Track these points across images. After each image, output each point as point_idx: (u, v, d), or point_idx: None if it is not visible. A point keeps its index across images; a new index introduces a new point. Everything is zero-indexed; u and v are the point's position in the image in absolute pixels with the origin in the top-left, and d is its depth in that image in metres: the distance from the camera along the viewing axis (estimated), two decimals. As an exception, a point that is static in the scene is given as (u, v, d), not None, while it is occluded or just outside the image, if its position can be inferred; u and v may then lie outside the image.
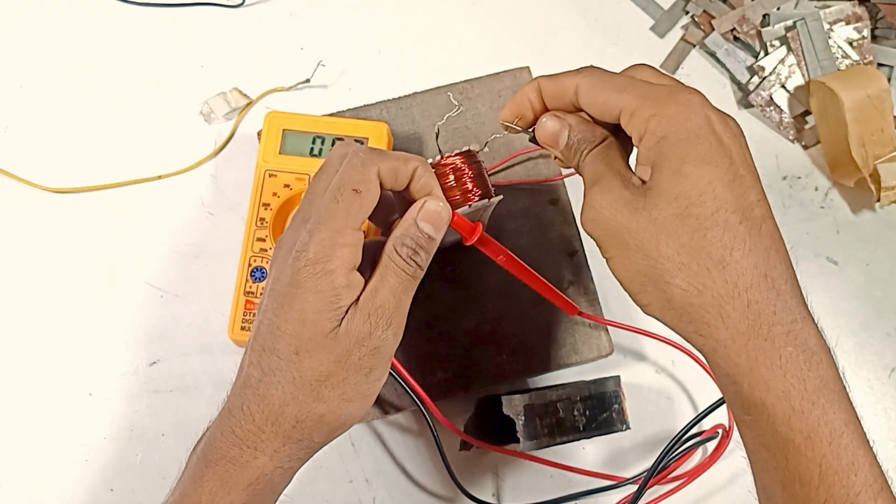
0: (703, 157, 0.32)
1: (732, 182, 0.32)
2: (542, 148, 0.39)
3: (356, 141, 0.51)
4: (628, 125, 0.34)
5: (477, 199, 0.40)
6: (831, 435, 0.29)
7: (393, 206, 0.39)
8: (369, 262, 0.36)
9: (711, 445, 0.51)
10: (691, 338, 0.33)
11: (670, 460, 0.49)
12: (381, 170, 0.35)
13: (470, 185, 0.40)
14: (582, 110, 0.37)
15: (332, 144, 0.51)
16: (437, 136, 0.42)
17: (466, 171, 0.40)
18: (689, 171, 0.32)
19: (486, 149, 0.42)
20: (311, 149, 0.51)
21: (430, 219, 0.37)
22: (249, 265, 0.49)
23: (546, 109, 0.38)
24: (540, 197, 0.54)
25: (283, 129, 0.51)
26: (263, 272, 0.49)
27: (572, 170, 0.38)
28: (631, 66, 0.37)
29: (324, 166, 0.37)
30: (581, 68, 0.37)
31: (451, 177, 0.40)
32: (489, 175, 0.42)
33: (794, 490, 0.30)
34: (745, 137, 0.34)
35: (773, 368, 0.30)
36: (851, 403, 0.31)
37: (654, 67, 0.37)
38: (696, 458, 0.51)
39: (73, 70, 0.59)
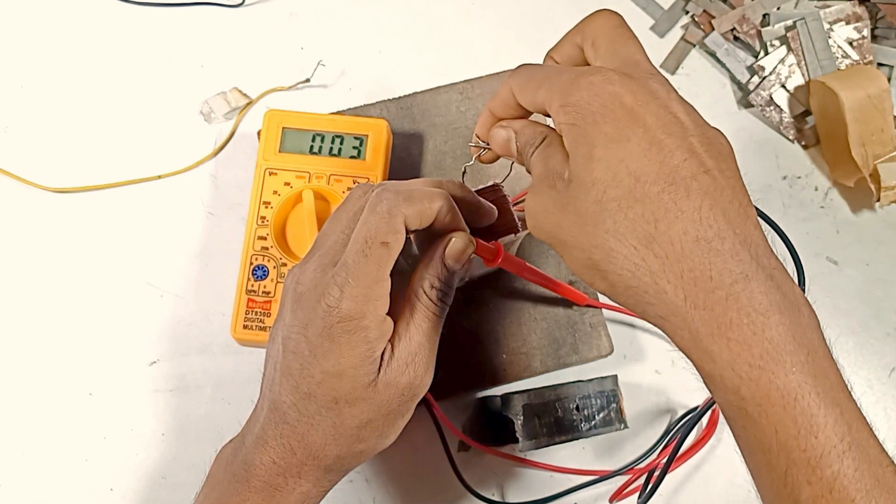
0: (612, 137, 0.30)
1: (647, 151, 0.29)
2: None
3: (356, 139, 0.51)
4: (554, 119, 0.33)
5: (503, 235, 0.40)
6: (784, 399, 0.27)
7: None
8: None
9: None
10: (644, 318, 0.31)
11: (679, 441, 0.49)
12: (408, 217, 0.34)
13: (497, 222, 0.40)
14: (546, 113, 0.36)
15: (332, 142, 0.51)
16: (462, 176, 0.41)
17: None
18: (599, 155, 0.30)
19: (512, 171, 0.41)
20: (311, 146, 0.51)
21: (456, 257, 0.36)
22: (251, 263, 0.49)
23: None
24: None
25: (283, 127, 0.51)
26: (265, 270, 0.49)
27: None
28: (591, 15, 0.35)
29: (345, 203, 0.37)
30: (513, 70, 0.36)
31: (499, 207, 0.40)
32: (514, 205, 0.42)
33: (758, 458, 0.28)
34: (672, 94, 0.31)
35: (714, 338, 0.28)
36: (818, 357, 0.28)
37: (615, 15, 0.34)
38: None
39: (73, 70, 0.59)
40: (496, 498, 0.50)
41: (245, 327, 0.49)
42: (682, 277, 0.28)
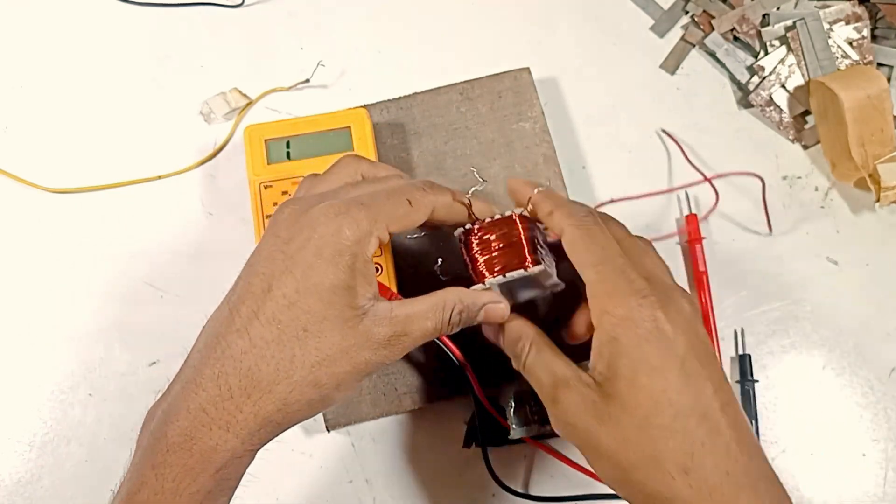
0: (654, 366, 0.33)
1: (686, 384, 0.33)
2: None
3: (340, 132, 0.51)
4: (589, 301, 0.35)
5: (520, 269, 0.38)
6: None
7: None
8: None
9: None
10: None
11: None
12: (437, 204, 0.37)
13: (521, 254, 0.38)
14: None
15: (319, 141, 0.51)
16: (469, 208, 0.40)
17: (516, 235, 0.39)
18: (643, 383, 0.33)
19: (530, 206, 0.40)
20: (299, 151, 0.51)
21: (490, 318, 0.39)
22: None
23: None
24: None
25: (265, 140, 0.51)
26: None
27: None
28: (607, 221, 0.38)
29: (335, 167, 0.40)
30: (577, 212, 0.38)
31: (495, 244, 0.39)
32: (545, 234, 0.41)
33: None
34: (697, 313, 0.35)
35: None
36: None
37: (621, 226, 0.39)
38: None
39: (73, 70, 0.59)
40: (520, 489, 0.49)
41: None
42: None
